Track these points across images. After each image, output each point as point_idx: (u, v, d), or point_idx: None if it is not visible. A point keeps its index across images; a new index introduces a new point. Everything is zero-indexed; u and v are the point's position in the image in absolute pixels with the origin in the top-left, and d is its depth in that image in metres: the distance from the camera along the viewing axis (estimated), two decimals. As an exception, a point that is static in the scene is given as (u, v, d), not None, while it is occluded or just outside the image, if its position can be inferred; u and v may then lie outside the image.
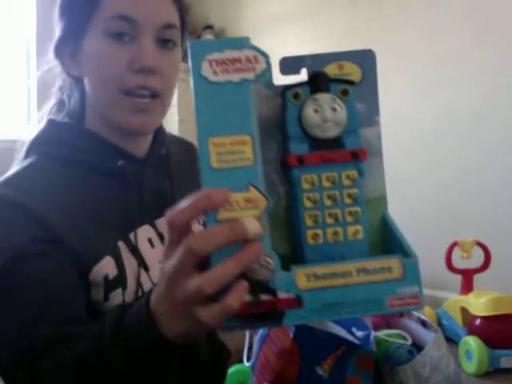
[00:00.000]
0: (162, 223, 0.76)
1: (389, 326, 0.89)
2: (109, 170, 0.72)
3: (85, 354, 0.55)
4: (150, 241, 0.74)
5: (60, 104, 0.80)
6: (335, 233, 0.48)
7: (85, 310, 0.65)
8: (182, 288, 0.44)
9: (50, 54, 0.78)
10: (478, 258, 1.90)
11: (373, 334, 0.75)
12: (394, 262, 0.47)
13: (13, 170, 0.72)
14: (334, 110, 0.48)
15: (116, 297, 0.69)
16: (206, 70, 0.45)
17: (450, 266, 1.93)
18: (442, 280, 2.15)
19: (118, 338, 0.51)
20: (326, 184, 0.48)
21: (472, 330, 1.70)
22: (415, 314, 0.86)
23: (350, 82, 0.50)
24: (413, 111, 2.34)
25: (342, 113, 0.48)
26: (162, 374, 0.54)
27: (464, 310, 1.80)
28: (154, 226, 0.75)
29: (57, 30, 0.76)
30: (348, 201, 0.48)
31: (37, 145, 0.75)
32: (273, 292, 0.45)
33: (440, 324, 1.91)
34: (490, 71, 2.10)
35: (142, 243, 0.72)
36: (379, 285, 0.46)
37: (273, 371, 0.66)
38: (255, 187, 0.45)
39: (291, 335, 0.74)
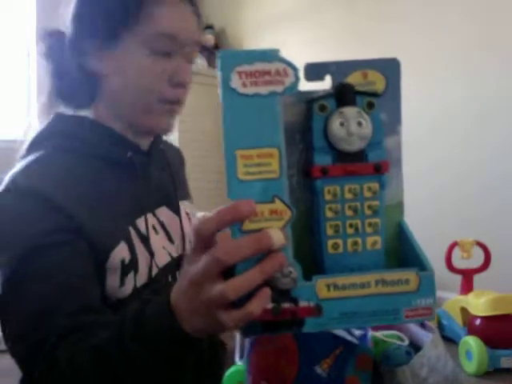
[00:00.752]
0: (161, 212, 0.81)
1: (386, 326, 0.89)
2: (119, 160, 0.76)
3: (103, 344, 0.56)
4: (154, 228, 0.78)
5: (59, 92, 0.80)
6: (355, 243, 0.50)
7: (99, 299, 0.67)
8: (206, 292, 0.46)
9: (66, 33, 0.76)
10: (478, 258, 1.90)
11: (370, 333, 0.75)
12: (411, 275, 0.48)
13: (25, 160, 0.73)
14: (360, 124, 0.49)
15: (129, 281, 0.71)
16: (235, 82, 0.46)
17: (450, 266, 1.93)
18: (442, 280, 2.14)
19: (138, 331, 0.53)
20: (348, 196, 0.50)
21: (472, 330, 1.69)
22: None
23: (376, 95, 0.51)
24: (413, 111, 2.34)
25: (367, 127, 0.49)
26: (179, 367, 0.56)
27: (464, 310, 1.80)
28: (155, 215, 0.79)
29: (84, 15, 0.75)
30: (368, 212, 0.50)
31: (47, 137, 0.76)
32: (294, 300, 0.46)
33: (440, 324, 1.91)
34: (491, 71, 2.10)
35: (146, 229, 0.76)
36: (396, 296, 0.48)
37: (271, 370, 0.66)
38: (280, 199, 0.46)
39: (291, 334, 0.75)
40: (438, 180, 2.22)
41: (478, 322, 1.69)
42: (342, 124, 0.49)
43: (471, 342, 1.62)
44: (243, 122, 0.46)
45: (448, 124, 2.21)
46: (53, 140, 0.75)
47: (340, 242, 0.49)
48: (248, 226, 0.45)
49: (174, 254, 0.81)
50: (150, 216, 0.78)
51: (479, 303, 1.69)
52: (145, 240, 0.74)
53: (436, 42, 2.25)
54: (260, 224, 0.45)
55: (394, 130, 0.54)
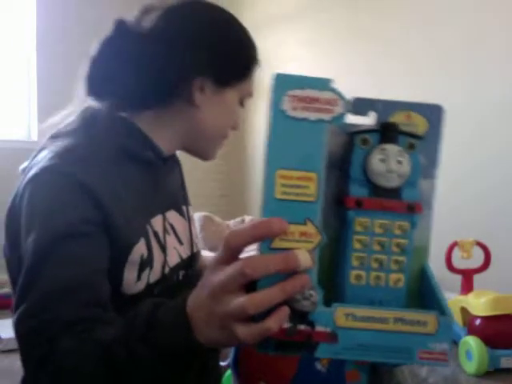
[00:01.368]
0: (170, 215, 0.84)
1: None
2: (143, 159, 0.79)
3: (109, 340, 0.57)
4: (165, 228, 0.81)
5: (138, 84, 0.81)
6: (378, 277, 0.51)
7: (109, 297, 0.69)
8: (225, 304, 0.47)
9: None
10: (478, 258, 1.90)
11: None
12: (430, 318, 0.49)
13: (61, 143, 0.74)
14: (400, 162, 0.51)
15: (144, 276, 0.74)
16: (286, 105, 0.48)
17: (449, 266, 1.93)
18: (442, 280, 2.14)
19: (148, 332, 0.54)
20: (378, 230, 0.51)
21: (472, 330, 1.69)
22: None
23: (418, 137, 0.53)
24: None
25: (406, 166, 0.51)
26: (184, 372, 0.57)
27: (464, 310, 1.79)
28: (165, 217, 0.82)
29: (216, 52, 0.81)
30: (396, 249, 0.51)
31: (82, 127, 0.78)
32: (311, 324, 0.47)
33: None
34: (492, 71, 2.10)
35: (160, 229, 0.79)
36: (412, 336, 0.48)
37: (268, 370, 0.67)
38: (312, 222, 0.47)
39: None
40: (438, 180, 2.21)
41: (477, 322, 1.69)
42: (382, 160, 0.51)
43: (471, 342, 1.62)
44: (288, 143, 0.48)
45: (449, 124, 2.21)
46: (88, 130, 0.77)
47: (363, 274, 0.50)
48: (277, 243, 0.47)
49: (184, 256, 0.85)
50: (161, 217, 0.81)
51: (479, 303, 1.69)
52: (159, 239, 0.77)
53: (437, 41, 2.25)
54: (289, 244, 0.47)
55: (431, 173, 0.57)
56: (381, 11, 2.46)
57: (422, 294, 0.53)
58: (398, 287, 0.51)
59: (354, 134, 0.51)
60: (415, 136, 0.53)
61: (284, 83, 0.48)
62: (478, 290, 1.83)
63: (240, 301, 0.46)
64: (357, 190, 0.51)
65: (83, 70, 0.84)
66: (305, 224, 0.47)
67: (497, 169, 2.05)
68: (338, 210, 0.52)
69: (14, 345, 1.92)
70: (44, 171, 0.70)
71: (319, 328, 0.47)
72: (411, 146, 0.52)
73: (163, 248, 0.78)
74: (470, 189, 2.13)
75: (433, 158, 0.56)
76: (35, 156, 0.79)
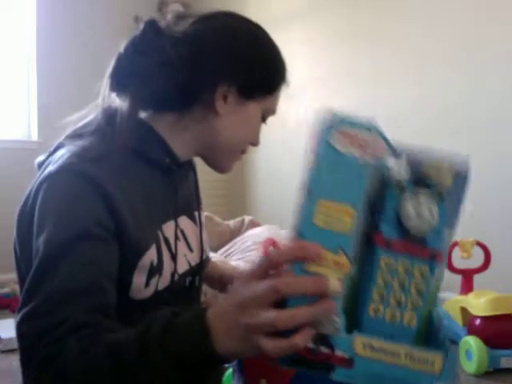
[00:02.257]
0: (181, 220, 0.83)
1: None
2: (158, 164, 0.78)
3: (118, 343, 0.56)
4: (177, 235, 0.80)
5: (151, 99, 0.80)
6: (393, 314, 0.53)
7: (115, 304, 0.68)
8: (254, 316, 0.49)
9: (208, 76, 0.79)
10: (478, 258, 1.90)
11: None
12: (437, 358, 0.52)
13: (78, 144, 0.73)
14: (430, 210, 0.54)
15: (153, 283, 0.73)
16: (336, 140, 0.51)
17: (450, 266, 1.93)
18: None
19: (166, 339, 0.54)
20: (401, 271, 0.53)
21: (472, 330, 1.69)
22: None
23: (446, 189, 0.56)
24: (415, 111, 2.34)
25: (435, 215, 0.54)
26: (195, 378, 0.57)
27: (464, 310, 1.79)
28: (177, 223, 0.81)
29: (244, 64, 0.80)
30: (414, 291, 0.54)
31: (100, 128, 0.76)
32: (331, 347, 0.50)
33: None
34: (494, 71, 2.10)
35: (171, 235, 0.78)
36: (420, 373, 0.52)
37: (269, 369, 0.67)
38: (345, 253, 0.50)
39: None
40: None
41: (478, 322, 1.69)
42: (415, 207, 0.53)
43: (471, 342, 1.62)
44: (333, 176, 0.51)
45: (449, 125, 2.21)
46: (107, 132, 0.75)
47: (381, 308, 0.53)
48: (311, 267, 0.49)
49: (192, 263, 0.84)
50: (173, 223, 0.80)
51: (479, 303, 1.69)
52: (169, 247, 0.77)
53: (439, 39, 2.24)
54: (322, 269, 0.49)
55: (451, 223, 0.58)
56: (382, 10, 2.46)
57: (430, 336, 0.56)
58: (411, 326, 0.54)
59: (390, 176, 0.54)
60: (444, 188, 0.56)
61: (337, 119, 0.51)
62: (478, 289, 1.83)
63: (270, 315, 0.48)
64: (388, 232, 0.53)
65: (109, 66, 0.82)
66: (338, 253, 0.50)
67: (497, 169, 2.05)
68: (367, 243, 0.54)
69: (14, 345, 1.92)
70: (60, 170, 0.68)
71: (338, 352, 0.50)
72: (441, 197, 0.55)
73: (173, 256, 0.78)
74: (470, 189, 2.11)
75: (454, 212, 0.58)
76: (52, 152, 0.76)
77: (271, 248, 1.50)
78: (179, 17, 0.81)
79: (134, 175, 0.74)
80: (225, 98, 0.78)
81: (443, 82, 2.22)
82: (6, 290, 2.42)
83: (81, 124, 0.79)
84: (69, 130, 0.79)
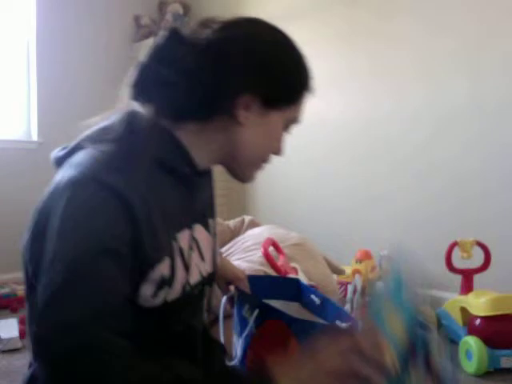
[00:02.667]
0: (195, 229, 0.81)
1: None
2: (178, 172, 0.77)
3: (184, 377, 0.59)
4: (191, 244, 0.78)
5: (174, 104, 0.78)
6: None
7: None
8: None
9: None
10: (478, 258, 1.90)
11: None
12: None
13: (102, 150, 0.71)
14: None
15: (161, 294, 0.72)
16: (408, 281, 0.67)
17: (450, 266, 1.93)
18: (442, 280, 2.14)
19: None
20: None
21: (472, 330, 1.69)
22: None
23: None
24: (416, 112, 2.34)
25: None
26: None
27: (464, 310, 1.80)
28: (192, 232, 0.79)
29: (267, 74, 0.78)
30: None
31: (122, 134, 0.74)
32: None
33: (440, 324, 1.91)
34: (495, 71, 2.10)
35: (186, 245, 0.77)
36: None
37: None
38: (395, 357, 0.61)
39: (289, 330, 0.81)
40: (439, 180, 2.22)
41: (477, 322, 1.69)
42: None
43: (471, 342, 1.62)
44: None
45: (450, 125, 2.20)
46: (129, 139, 0.73)
47: None
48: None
49: (204, 273, 0.83)
50: (188, 232, 0.78)
51: (479, 303, 1.69)
52: (184, 256, 0.76)
53: (440, 38, 2.24)
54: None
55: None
56: (382, 10, 2.46)
57: None
58: None
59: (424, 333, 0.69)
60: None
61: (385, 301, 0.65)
62: (478, 289, 1.83)
63: None
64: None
65: (130, 74, 0.80)
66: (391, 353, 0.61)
67: (497, 169, 2.05)
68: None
69: (14, 345, 1.92)
70: (84, 179, 0.67)
71: None
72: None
73: (187, 267, 0.77)
74: (470, 189, 2.12)
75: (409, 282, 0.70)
76: (71, 151, 0.75)
77: (271, 248, 1.50)
78: (202, 24, 0.80)
79: (155, 185, 0.72)
80: (247, 107, 0.77)
81: (447, 80, 2.22)
82: (6, 290, 2.42)
83: (100, 126, 0.76)
84: (87, 131, 0.77)
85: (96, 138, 0.74)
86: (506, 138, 2.05)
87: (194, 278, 0.79)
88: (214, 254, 0.88)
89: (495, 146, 2.08)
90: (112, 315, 0.62)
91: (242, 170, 0.84)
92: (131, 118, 0.76)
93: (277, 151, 0.84)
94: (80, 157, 0.71)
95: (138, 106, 0.78)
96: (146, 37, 3.14)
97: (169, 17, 3.21)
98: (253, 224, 2.26)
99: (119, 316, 0.63)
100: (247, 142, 0.80)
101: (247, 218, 2.30)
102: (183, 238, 0.76)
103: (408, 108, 2.34)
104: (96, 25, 3.15)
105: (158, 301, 0.72)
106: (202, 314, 0.88)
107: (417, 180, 2.31)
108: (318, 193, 2.66)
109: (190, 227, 0.79)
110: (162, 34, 0.79)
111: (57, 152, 0.78)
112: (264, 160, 0.84)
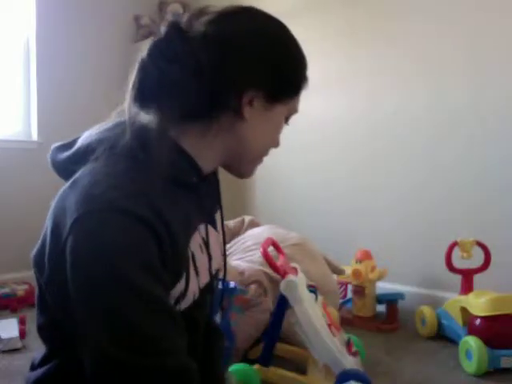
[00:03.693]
0: (203, 228, 0.79)
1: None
2: (185, 183, 0.75)
3: None
4: (201, 246, 0.77)
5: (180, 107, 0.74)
6: None
7: None
8: None
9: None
10: (478, 258, 1.90)
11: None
12: None
13: (116, 170, 0.68)
14: None
15: (176, 308, 0.71)
16: None
17: (449, 266, 1.93)
18: (442, 280, 2.14)
19: None
20: None
21: (472, 330, 1.69)
22: None
23: None
24: (418, 114, 2.34)
25: None
26: None
27: (464, 310, 1.80)
28: (200, 233, 0.77)
29: (272, 69, 0.77)
30: None
31: (126, 148, 0.71)
32: None
33: (440, 324, 1.91)
34: (496, 72, 2.09)
35: (197, 249, 0.75)
36: None
37: None
38: None
39: None
40: (439, 181, 2.22)
41: (478, 322, 1.69)
42: None
43: (471, 342, 1.62)
44: None
45: (451, 125, 2.20)
46: (141, 157, 0.70)
47: None
48: None
49: (213, 272, 0.82)
50: (198, 234, 0.77)
51: (479, 303, 1.69)
52: (195, 261, 0.75)
53: (438, 38, 2.24)
54: None
55: None
56: (381, 10, 2.45)
57: None
58: None
59: None
60: None
61: None
62: (478, 289, 1.83)
63: None
64: None
65: (131, 74, 0.76)
66: None
67: (497, 169, 2.04)
68: None
69: (14, 345, 1.92)
70: (104, 209, 0.62)
71: None
72: None
73: (197, 271, 0.75)
74: (470, 189, 2.12)
75: None
76: (76, 156, 0.72)
77: (271, 248, 1.50)
78: (195, 15, 0.78)
79: (171, 203, 0.70)
80: (251, 102, 0.75)
81: (448, 81, 2.22)
82: (6, 290, 2.42)
83: (104, 134, 0.73)
84: (90, 134, 0.74)
85: (103, 151, 0.71)
86: (507, 139, 2.05)
87: (204, 280, 0.78)
88: (224, 249, 0.88)
89: (496, 147, 2.08)
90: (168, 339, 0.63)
91: (245, 166, 0.83)
92: (138, 130, 0.72)
93: (276, 144, 0.84)
94: (93, 177, 0.67)
95: (141, 112, 0.74)
96: (146, 37, 3.14)
97: (169, 17, 3.21)
98: (253, 224, 2.26)
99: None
100: (253, 138, 0.79)
101: (247, 218, 2.30)
102: (195, 242, 0.75)
103: (410, 109, 2.34)
104: (96, 25, 3.15)
105: None
106: (207, 308, 0.88)
107: (418, 181, 2.31)
108: (319, 193, 2.66)
109: (199, 229, 0.78)
110: (162, 29, 0.76)
111: (54, 153, 0.76)
112: (265, 154, 0.84)
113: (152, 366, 0.60)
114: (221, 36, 0.74)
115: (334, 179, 2.60)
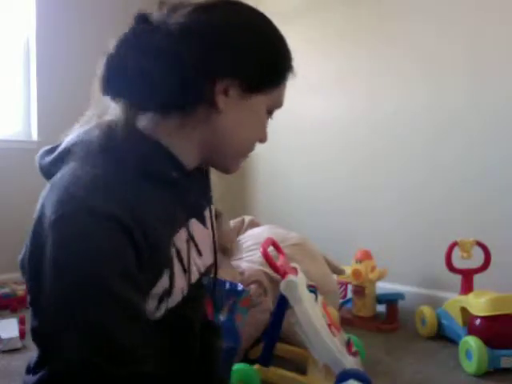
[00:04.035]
0: (191, 224, 0.78)
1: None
2: (165, 179, 0.73)
3: None
4: (188, 243, 0.76)
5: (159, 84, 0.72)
6: None
7: None
8: None
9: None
10: (478, 258, 1.90)
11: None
12: None
13: (89, 172, 0.67)
14: None
15: (163, 306, 0.71)
16: None
17: (449, 266, 1.93)
18: (442, 280, 2.14)
19: None
20: None
21: (472, 330, 1.69)
22: None
23: None
24: (418, 114, 2.34)
25: None
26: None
27: (464, 310, 1.80)
28: (187, 229, 0.77)
29: (245, 55, 0.74)
30: None
31: (102, 147, 0.70)
32: None
33: (440, 324, 1.91)
34: (496, 72, 2.09)
35: (183, 247, 0.74)
36: None
37: None
38: None
39: None
40: (439, 181, 2.22)
41: (478, 322, 1.69)
42: None
43: (471, 342, 1.62)
44: None
45: (452, 126, 2.20)
46: (112, 155, 0.69)
47: None
48: None
49: (202, 269, 0.81)
50: (184, 231, 0.76)
51: (479, 303, 1.69)
52: (181, 258, 0.74)
53: (439, 38, 2.24)
54: None
55: None
56: (381, 10, 2.45)
57: None
58: None
59: None
60: None
61: None
62: (478, 289, 1.83)
63: None
64: None
65: (99, 67, 0.73)
66: None
67: (497, 169, 2.05)
68: None
69: (14, 345, 1.92)
70: (79, 209, 0.63)
71: None
72: None
73: (186, 269, 0.75)
74: (470, 189, 2.12)
75: None
76: (58, 161, 0.72)
77: (271, 248, 1.50)
78: (173, 9, 0.75)
79: (145, 198, 0.69)
80: (225, 92, 0.73)
81: (448, 81, 2.22)
82: (6, 290, 2.42)
83: (79, 137, 0.72)
84: (70, 137, 0.74)
85: (78, 152, 0.71)
86: (507, 139, 2.05)
87: (193, 277, 0.77)
88: (215, 245, 0.86)
89: (496, 147, 2.08)
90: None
91: (228, 160, 0.80)
92: (107, 126, 0.72)
93: (261, 138, 0.82)
94: (66, 179, 0.67)
95: (111, 103, 0.73)
96: (146, 37, 3.14)
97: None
98: (253, 224, 2.26)
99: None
100: (232, 130, 0.76)
101: (247, 218, 2.30)
102: (180, 239, 0.74)
103: (410, 109, 2.34)
104: (96, 25, 3.15)
105: (161, 313, 0.71)
106: (202, 305, 0.88)
107: (418, 181, 2.31)
108: (319, 193, 2.66)
109: (185, 226, 0.76)
110: (130, 22, 0.76)
111: (42, 156, 0.76)
112: (249, 148, 0.81)
113: (129, 374, 0.61)
114: (192, 25, 0.73)
115: (334, 179, 2.60)
